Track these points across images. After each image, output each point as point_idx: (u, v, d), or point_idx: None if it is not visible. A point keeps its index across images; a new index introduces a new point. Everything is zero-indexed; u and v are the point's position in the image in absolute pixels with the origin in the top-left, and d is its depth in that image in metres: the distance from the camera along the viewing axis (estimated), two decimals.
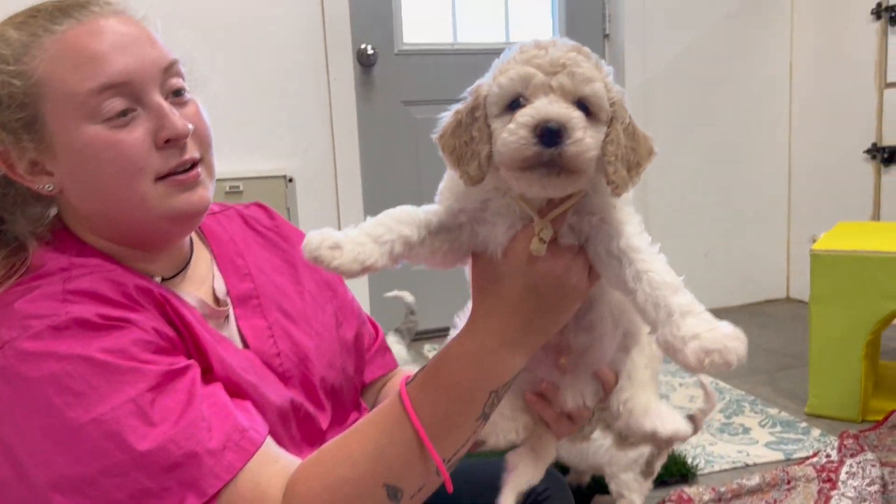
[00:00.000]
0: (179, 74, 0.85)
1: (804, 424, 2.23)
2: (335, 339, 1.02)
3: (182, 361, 0.78)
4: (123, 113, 0.79)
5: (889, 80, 3.11)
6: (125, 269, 0.83)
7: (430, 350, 3.04)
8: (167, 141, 0.81)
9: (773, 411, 2.33)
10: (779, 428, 2.22)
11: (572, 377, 0.85)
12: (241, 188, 2.74)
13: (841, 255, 2.19)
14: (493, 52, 0.73)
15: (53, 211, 0.87)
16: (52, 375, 0.71)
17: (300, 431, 0.90)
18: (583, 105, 0.67)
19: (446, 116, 0.74)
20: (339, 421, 0.98)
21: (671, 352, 0.66)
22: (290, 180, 2.87)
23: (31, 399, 0.71)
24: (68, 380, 0.71)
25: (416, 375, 0.79)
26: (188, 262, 0.93)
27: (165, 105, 0.81)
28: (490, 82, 0.70)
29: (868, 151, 3.20)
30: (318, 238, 0.68)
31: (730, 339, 0.64)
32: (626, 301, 0.76)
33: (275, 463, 0.77)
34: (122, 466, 0.69)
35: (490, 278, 0.77)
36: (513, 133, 0.65)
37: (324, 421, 0.95)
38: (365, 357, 1.09)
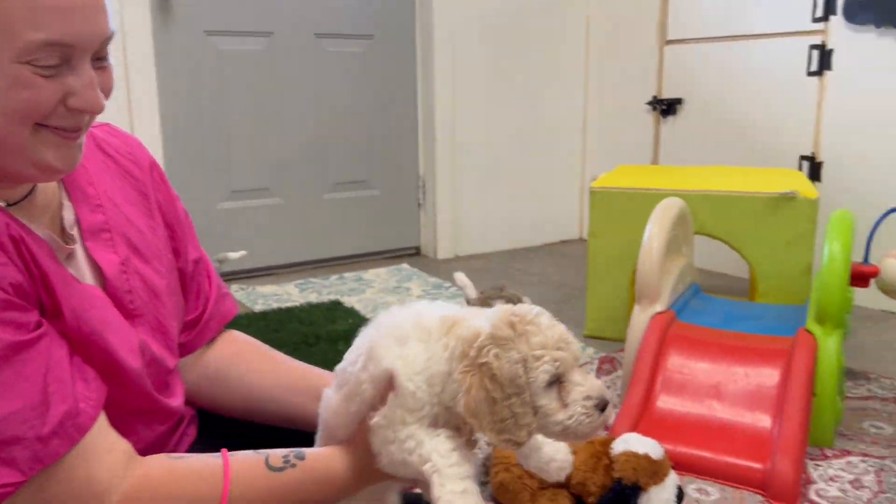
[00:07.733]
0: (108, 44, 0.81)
1: (581, 345, 2.46)
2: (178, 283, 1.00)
3: (33, 326, 0.74)
4: (53, 66, 0.74)
5: (668, 37, 3.42)
6: None
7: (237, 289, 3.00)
8: (76, 109, 0.76)
9: None
10: None
11: None
12: None
13: (614, 191, 2.42)
14: None
15: None
16: None
17: (149, 376, 0.88)
18: None
19: (464, 383, 0.79)
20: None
21: None
22: None
23: None
24: None
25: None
26: (34, 186, 0.85)
27: (95, 77, 0.77)
28: (518, 364, 0.78)
29: (649, 103, 3.52)
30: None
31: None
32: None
33: (107, 453, 0.76)
34: None
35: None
36: (589, 413, 0.79)
37: (171, 362, 0.94)
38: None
